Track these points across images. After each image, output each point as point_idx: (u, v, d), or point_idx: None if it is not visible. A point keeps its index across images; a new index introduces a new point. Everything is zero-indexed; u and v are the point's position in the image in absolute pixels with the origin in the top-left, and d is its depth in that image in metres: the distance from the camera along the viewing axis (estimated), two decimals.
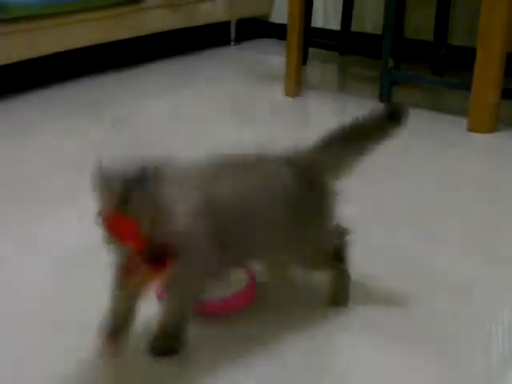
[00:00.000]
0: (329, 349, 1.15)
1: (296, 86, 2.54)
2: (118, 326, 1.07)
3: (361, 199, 1.55)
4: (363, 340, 1.14)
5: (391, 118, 1.25)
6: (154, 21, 2.93)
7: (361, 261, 1.26)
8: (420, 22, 2.98)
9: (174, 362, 1.07)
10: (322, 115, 2.46)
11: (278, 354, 1.09)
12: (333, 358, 1.13)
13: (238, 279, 1.23)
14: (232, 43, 3.45)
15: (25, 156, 1.99)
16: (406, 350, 1.11)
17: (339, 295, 1.22)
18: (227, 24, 3.42)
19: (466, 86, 2.20)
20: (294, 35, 2.50)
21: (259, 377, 1.04)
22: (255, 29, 3.60)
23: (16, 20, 2.38)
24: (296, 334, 1.14)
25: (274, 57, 3.23)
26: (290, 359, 1.08)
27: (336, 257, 1.20)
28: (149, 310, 1.11)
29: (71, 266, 1.36)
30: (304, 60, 2.91)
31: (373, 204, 1.65)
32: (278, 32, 3.54)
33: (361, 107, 2.41)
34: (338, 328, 1.17)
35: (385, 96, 2.46)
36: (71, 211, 1.60)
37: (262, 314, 1.19)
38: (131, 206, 0.95)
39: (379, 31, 3.16)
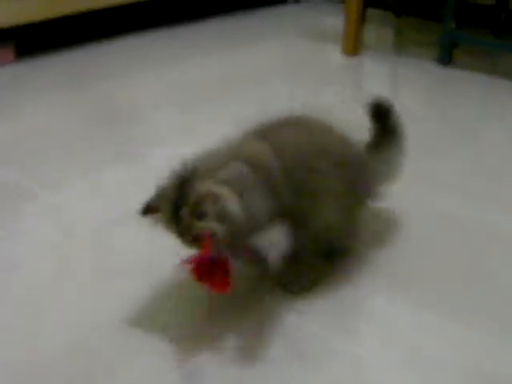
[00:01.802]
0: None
1: (355, 45, 2.53)
2: None
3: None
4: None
5: (378, 115, 1.31)
6: None
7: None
8: None
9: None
10: (381, 75, 2.46)
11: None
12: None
13: None
14: (289, 1, 3.43)
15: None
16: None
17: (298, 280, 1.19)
18: None
19: None
20: None
21: None
22: None
23: None
24: None
25: (330, 18, 3.21)
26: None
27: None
28: None
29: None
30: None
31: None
32: None
33: (419, 70, 2.42)
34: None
35: (445, 59, 2.44)
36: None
37: None
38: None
39: None
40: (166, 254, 1.23)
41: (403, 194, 1.40)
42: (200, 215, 0.99)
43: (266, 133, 1.14)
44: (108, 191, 1.52)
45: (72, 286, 1.18)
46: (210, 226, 0.99)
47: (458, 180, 1.59)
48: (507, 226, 1.39)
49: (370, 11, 2.98)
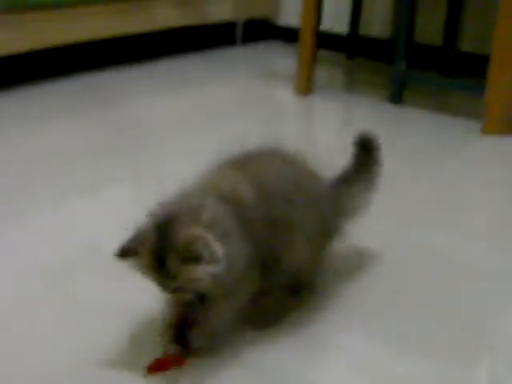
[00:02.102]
0: None
1: (307, 84, 2.54)
2: None
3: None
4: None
5: (364, 149, 1.32)
6: (157, 17, 2.90)
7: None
8: (429, 27, 2.98)
9: None
10: (334, 113, 2.48)
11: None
12: None
13: None
14: (238, 43, 3.44)
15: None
16: None
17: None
18: (233, 25, 3.42)
19: (480, 88, 2.21)
20: (307, 34, 2.50)
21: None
22: (261, 31, 3.59)
23: (24, 9, 2.34)
24: None
25: (280, 59, 3.23)
26: None
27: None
28: None
29: None
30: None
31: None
32: (284, 34, 3.55)
33: (371, 108, 2.44)
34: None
35: (395, 97, 2.46)
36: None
37: None
38: None
39: (386, 36, 3.18)
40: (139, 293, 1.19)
41: (369, 227, 1.38)
42: (194, 259, 0.92)
43: (240, 163, 1.10)
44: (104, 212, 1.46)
45: (38, 322, 1.11)
46: (206, 270, 0.92)
47: (421, 211, 1.58)
48: (469, 252, 1.40)
49: (322, 52, 3.01)
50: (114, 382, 0.98)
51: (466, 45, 2.95)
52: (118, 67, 2.81)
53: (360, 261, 1.35)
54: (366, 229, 1.31)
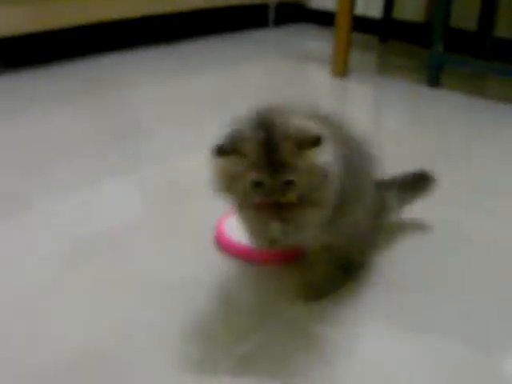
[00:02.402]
0: None
1: (343, 67, 2.54)
2: None
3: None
4: None
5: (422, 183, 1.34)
6: None
7: None
8: (464, 12, 2.97)
9: None
10: (372, 95, 2.48)
11: None
12: None
13: None
14: (270, 26, 3.45)
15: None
16: None
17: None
18: (265, 7, 3.42)
19: None
20: (343, 17, 2.50)
21: None
22: (294, 13, 3.60)
23: None
24: None
25: (312, 41, 3.24)
26: None
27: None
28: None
29: None
30: None
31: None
32: (316, 17, 3.55)
33: (408, 91, 2.44)
34: None
35: (433, 80, 2.46)
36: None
37: None
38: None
39: (420, 19, 3.17)
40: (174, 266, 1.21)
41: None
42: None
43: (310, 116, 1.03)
44: (106, 202, 1.47)
45: (77, 293, 1.13)
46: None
47: (457, 194, 1.58)
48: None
49: (355, 35, 3.00)
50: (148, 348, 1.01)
51: (501, 30, 2.94)
52: (147, 47, 2.83)
53: (400, 240, 1.37)
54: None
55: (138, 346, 1.00)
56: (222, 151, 0.93)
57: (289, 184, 0.92)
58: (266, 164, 0.91)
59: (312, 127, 0.93)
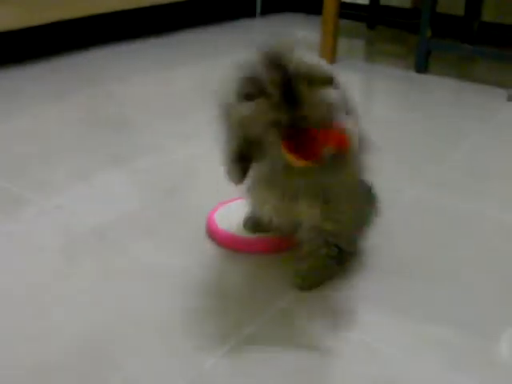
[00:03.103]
0: None
1: (331, 54, 2.54)
2: None
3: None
4: None
5: None
6: None
7: None
8: None
9: None
10: (361, 82, 2.48)
11: None
12: None
13: None
14: (257, 15, 3.44)
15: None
16: None
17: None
18: None
19: (509, 57, 2.21)
20: (330, 4, 2.50)
21: None
22: (281, 2, 3.59)
23: None
24: None
25: (299, 30, 3.23)
26: None
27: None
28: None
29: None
30: None
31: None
32: (303, 6, 3.54)
33: (397, 77, 2.45)
34: None
35: (421, 65, 2.47)
36: None
37: None
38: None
39: (407, 5, 3.18)
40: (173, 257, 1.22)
41: (403, 192, 1.41)
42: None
43: None
44: (100, 195, 1.47)
45: (74, 285, 1.13)
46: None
47: (453, 179, 1.59)
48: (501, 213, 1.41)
49: (343, 22, 3.00)
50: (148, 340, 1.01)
51: (488, 15, 2.95)
52: (134, 40, 2.82)
53: (393, 228, 1.37)
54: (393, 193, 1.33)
55: (134, 338, 1.01)
56: (248, 95, 0.96)
57: (301, 118, 0.96)
58: (285, 104, 0.94)
59: (323, 65, 0.99)
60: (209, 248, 1.25)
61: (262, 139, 0.99)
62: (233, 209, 1.32)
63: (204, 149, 1.64)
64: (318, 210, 1.09)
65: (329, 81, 0.97)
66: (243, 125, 0.98)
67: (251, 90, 0.96)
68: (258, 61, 0.98)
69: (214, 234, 1.27)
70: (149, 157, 1.67)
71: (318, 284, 1.15)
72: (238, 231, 1.26)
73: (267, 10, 3.47)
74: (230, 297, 1.12)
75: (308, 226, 1.13)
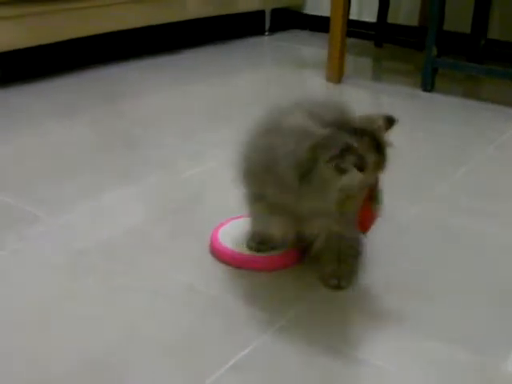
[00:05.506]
0: None
1: (338, 72, 2.57)
2: None
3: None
4: None
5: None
6: (189, 7, 2.94)
7: None
8: (458, 15, 2.99)
9: None
10: (368, 100, 2.51)
11: None
12: None
13: None
14: (266, 33, 3.47)
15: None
16: None
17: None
18: (261, 13, 3.44)
19: None
20: (337, 22, 2.52)
21: None
22: (288, 19, 3.62)
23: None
24: None
25: (307, 47, 3.26)
26: None
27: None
28: None
29: None
30: None
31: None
32: (310, 23, 3.57)
33: (403, 95, 2.46)
34: None
35: (427, 84, 2.49)
36: None
37: None
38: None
39: (415, 23, 3.20)
40: (182, 272, 1.23)
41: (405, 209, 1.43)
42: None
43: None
44: (110, 212, 1.49)
45: (80, 302, 1.15)
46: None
47: (458, 198, 1.60)
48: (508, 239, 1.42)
49: (350, 40, 3.03)
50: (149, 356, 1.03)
51: (494, 32, 2.97)
52: (144, 58, 2.85)
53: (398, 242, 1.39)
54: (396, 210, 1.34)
55: (137, 355, 1.02)
56: (344, 151, 1.04)
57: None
58: (379, 161, 1.08)
59: (373, 113, 1.16)
60: (214, 265, 1.27)
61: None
62: (236, 226, 1.35)
63: (213, 167, 1.67)
64: (332, 220, 1.13)
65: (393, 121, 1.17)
66: (344, 189, 1.06)
67: (351, 159, 1.04)
68: (334, 131, 1.08)
69: (216, 252, 1.29)
70: (157, 174, 1.70)
71: (352, 279, 1.21)
72: (241, 249, 1.28)
73: (275, 28, 3.51)
74: (237, 315, 1.13)
75: (325, 237, 1.17)
